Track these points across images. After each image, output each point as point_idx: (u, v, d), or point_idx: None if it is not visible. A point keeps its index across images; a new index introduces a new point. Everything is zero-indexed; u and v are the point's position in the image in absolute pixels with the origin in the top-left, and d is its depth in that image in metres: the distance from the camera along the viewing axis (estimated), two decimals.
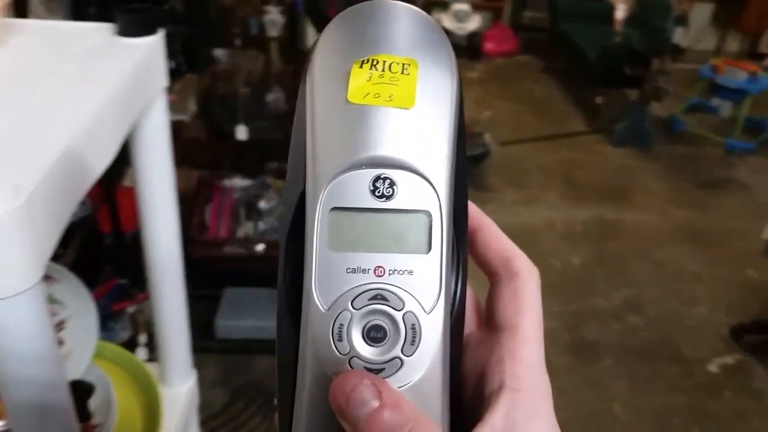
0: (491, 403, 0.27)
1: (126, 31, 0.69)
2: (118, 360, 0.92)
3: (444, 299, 0.27)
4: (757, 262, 2.80)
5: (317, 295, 0.26)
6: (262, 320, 2.21)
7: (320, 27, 1.69)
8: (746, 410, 2.19)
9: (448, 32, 3.79)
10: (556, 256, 2.84)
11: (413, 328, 0.26)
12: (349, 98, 0.26)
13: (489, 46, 4.72)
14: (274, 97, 2.22)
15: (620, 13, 3.70)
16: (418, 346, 0.26)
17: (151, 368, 0.93)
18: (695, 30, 5.14)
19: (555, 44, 4.51)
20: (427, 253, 0.27)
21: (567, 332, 2.45)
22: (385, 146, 0.26)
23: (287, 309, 0.28)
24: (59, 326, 0.80)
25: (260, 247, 1.95)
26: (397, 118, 0.26)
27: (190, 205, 2.13)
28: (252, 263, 1.97)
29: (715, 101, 3.84)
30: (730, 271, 2.83)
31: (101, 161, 0.57)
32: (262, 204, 2.05)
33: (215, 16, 2.65)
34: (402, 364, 0.26)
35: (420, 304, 0.26)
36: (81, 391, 0.82)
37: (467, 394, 0.30)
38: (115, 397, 0.85)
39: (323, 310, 0.26)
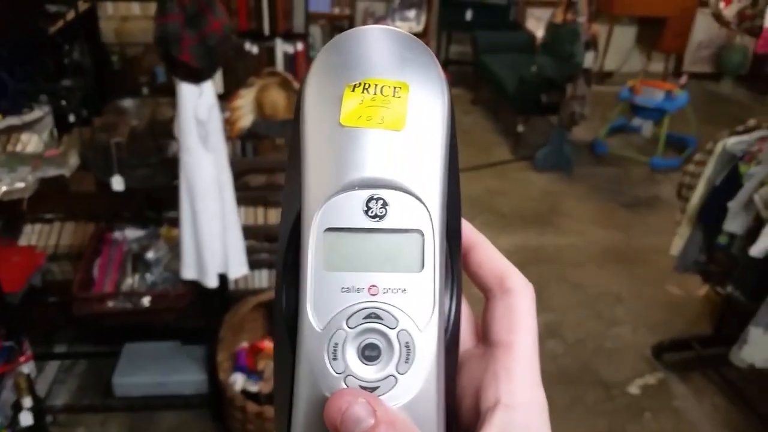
0: (486, 419, 0.27)
1: None
2: None
3: (438, 317, 0.27)
4: (679, 279, 2.79)
5: (312, 314, 0.26)
6: (163, 375, 2.13)
7: (173, 71, 1.67)
8: (665, 430, 2.16)
9: None
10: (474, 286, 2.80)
11: (407, 346, 0.26)
12: (342, 121, 0.27)
13: None
14: (171, 144, 2.18)
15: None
16: (412, 363, 0.26)
17: None
18: (620, 53, 5.26)
19: (479, 76, 4.56)
20: (420, 271, 0.27)
21: None
22: (378, 168, 0.27)
23: (284, 329, 0.28)
24: None
25: (146, 300, 1.88)
26: (389, 139, 0.27)
27: (76, 261, 2.07)
28: (138, 317, 1.90)
29: (636, 121, 3.90)
30: (652, 289, 2.82)
31: None
32: (150, 254, 1.99)
33: (120, 67, 2.63)
34: (396, 381, 0.26)
35: (414, 322, 0.27)
36: None
37: (463, 410, 0.30)
38: None
39: (318, 330, 0.26)
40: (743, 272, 2.09)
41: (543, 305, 2.69)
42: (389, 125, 0.27)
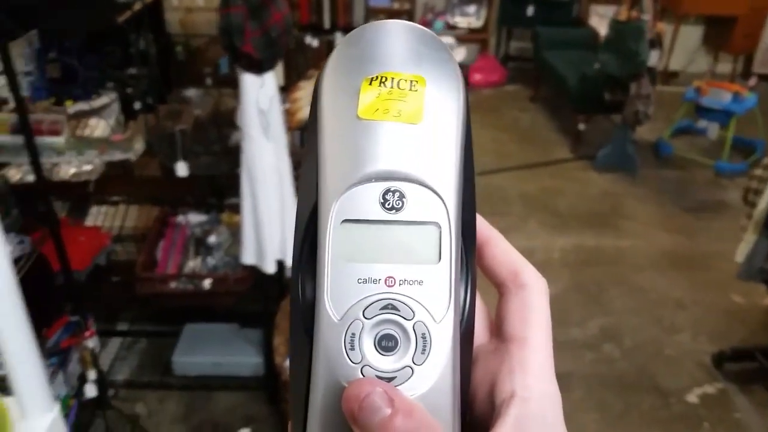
0: (502, 412, 0.27)
1: None
2: None
3: (453, 309, 0.27)
4: (742, 287, 2.70)
5: (330, 305, 0.27)
6: (221, 356, 2.18)
7: (236, 61, 1.69)
8: None
9: None
10: None
11: (423, 338, 0.27)
12: (360, 114, 0.27)
13: (476, 77, 4.72)
14: (235, 133, 2.23)
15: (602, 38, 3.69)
16: (428, 355, 0.27)
17: (11, 402, 0.90)
18: (686, 53, 5.11)
19: (540, 73, 4.50)
20: (437, 263, 0.27)
21: None
22: (395, 160, 0.27)
23: (300, 319, 0.28)
24: None
25: (207, 283, 1.92)
26: (406, 132, 0.27)
27: (140, 243, 2.13)
28: (198, 299, 1.95)
29: (702, 123, 3.78)
30: (714, 296, 2.73)
31: None
32: (212, 239, 2.03)
33: (185, 57, 2.69)
34: (413, 372, 0.26)
35: (430, 314, 0.27)
36: None
37: (478, 403, 0.30)
38: None
39: (336, 320, 0.27)
40: None
41: (601, 308, 2.64)
42: (406, 118, 0.27)
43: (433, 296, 0.27)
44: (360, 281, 0.27)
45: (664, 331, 2.55)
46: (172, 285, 1.91)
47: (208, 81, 2.59)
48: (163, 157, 1.90)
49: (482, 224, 0.31)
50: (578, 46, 4.20)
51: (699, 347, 2.46)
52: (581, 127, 3.83)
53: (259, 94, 1.64)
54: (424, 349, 0.27)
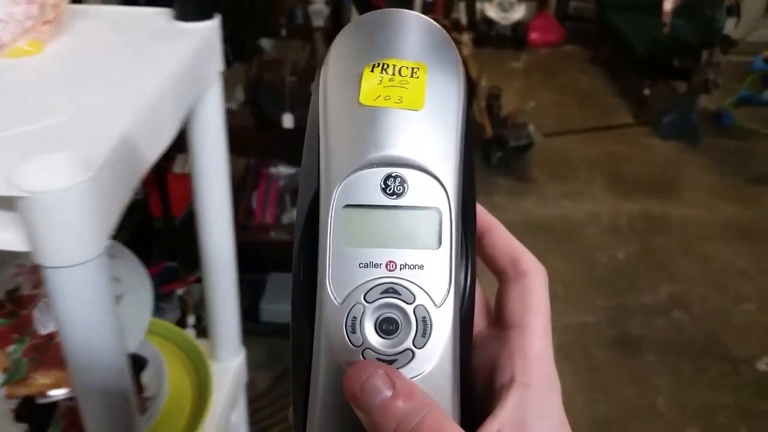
0: (501, 397, 0.28)
1: (183, 15, 0.71)
2: (170, 336, 0.95)
3: (454, 293, 0.28)
4: None
5: (331, 289, 0.27)
6: None
7: (363, 12, 1.70)
8: None
9: (492, 22, 3.72)
10: (600, 249, 2.80)
11: (424, 321, 0.27)
12: (361, 100, 0.28)
13: (534, 36, 4.66)
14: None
15: (668, 3, 3.61)
16: (429, 338, 0.27)
17: (202, 345, 0.96)
18: (747, 21, 5.00)
19: (602, 35, 4.43)
20: (438, 248, 0.28)
21: (610, 327, 2.42)
22: (396, 146, 0.27)
23: (302, 303, 0.29)
24: (116, 301, 0.82)
25: None
26: (407, 119, 0.28)
27: (237, 191, 2.17)
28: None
29: (767, 94, 3.73)
30: None
31: (160, 143, 0.59)
32: None
33: (261, 7, 2.68)
34: (413, 355, 0.27)
35: (430, 298, 0.27)
36: (135, 364, 0.85)
37: (478, 389, 0.31)
38: (167, 371, 0.88)
39: (337, 304, 0.27)
40: None
41: (668, 276, 2.68)
42: (407, 105, 0.28)
43: (433, 280, 0.28)
44: (361, 265, 0.27)
45: (730, 300, 2.58)
46: (272, 234, 1.96)
47: (283, 32, 2.58)
48: (267, 108, 1.93)
49: (482, 212, 0.32)
50: (642, 10, 4.13)
51: (766, 317, 2.49)
52: (646, 92, 3.80)
53: None
54: (424, 333, 0.27)
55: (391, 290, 0.27)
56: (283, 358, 2.23)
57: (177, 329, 0.95)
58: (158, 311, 1.86)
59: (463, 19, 3.57)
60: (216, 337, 0.93)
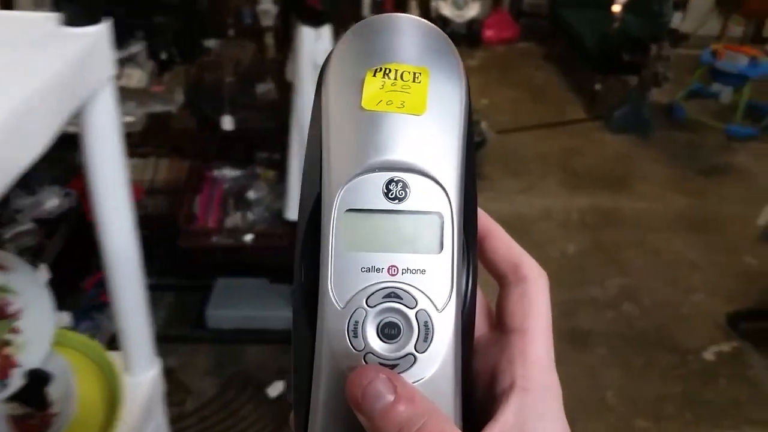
0: (502, 402, 0.28)
1: (69, 20, 0.68)
2: (82, 348, 0.92)
3: (455, 298, 0.28)
4: (755, 249, 2.77)
5: (333, 293, 0.27)
6: (252, 310, 2.22)
7: (297, 13, 1.68)
8: (741, 398, 2.18)
9: (447, 20, 3.74)
10: (552, 244, 2.82)
11: (426, 326, 0.27)
12: (363, 105, 0.28)
13: (489, 33, 4.68)
14: (266, 87, 2.21)
15: None
16: (430, 342, 0.27)
17: (116, 357, 0.93)
18: (697, 15, 5.08)
19: (555, 31, 4.47)
20: (439, 253, 0.28)
21: (561, 320, 2.43)
22: (398, 150, 0.27)
23: (304, 307, 0.29)
24: (15, 316, 0.80)
25: (249, 238, 1.94)
26: (409, 123, 0.28)
27: (179, 196, 2.13)
28: (241, 253, 1.97)
29: (716, 87, 3.80)
30: (728, 258, 2.80)
31: (29, 152, 0.56)
32: (251, 194, 2.05)
33: (207, 7, 2.64)
34: (415, 360, 0.27)
35: (432, 302, 0.27)
36: (38, 379, 0.81)
37: (478, 393, 0.31)
38: (77, 386, 0.85)
39: (339, 308, 0.27)
40: None
41: (619, 269, 2.70)
42: (409, 109, 0.28)
43: (435, 285, 0.27)
44: (363, 270, 0.27)
45: (680, 292, 2.62)
46: (214, 239, 1.93)
47: (231, 32, 2.55)
48: (206, 110, 1.89)
49: (483, 217, 0.32)
50: (594, 5, 4.17)
51: (714, 307, 2.53)
52: (598, 87, 3.84)
53: (316, 48, 1.64)
54: (426, 337, 0.27)
55: (393, 294, 0.27)
56: (230, 365, 2.19)
57: (89, 341, 0.92)
58: (94, 322, 1.82)
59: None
60: (127, 349, 0.90)
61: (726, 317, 2.47)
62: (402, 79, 0.28)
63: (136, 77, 2.17)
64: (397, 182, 0.27)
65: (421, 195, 0.28)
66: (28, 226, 1.71)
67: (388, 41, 0.29)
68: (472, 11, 4.53)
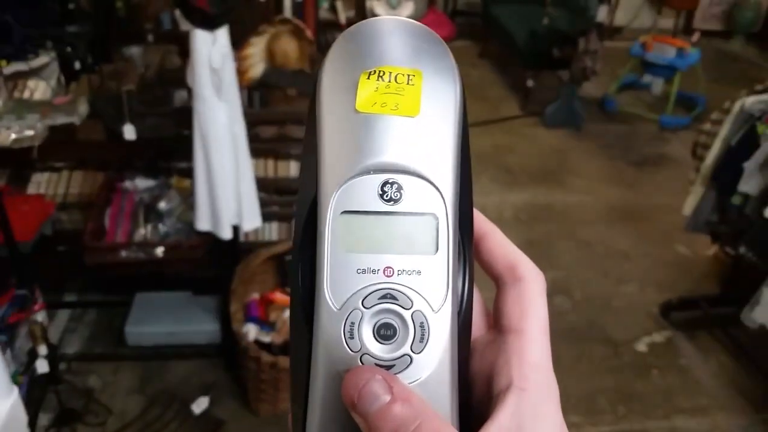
0: (499, 402, 0.28)
1: None
2: None
3: (451, 298, 0.28)
4: (687, 238, 2.79)
5: (329, 295, 0.27)
6: (174, 325, 2.14)
7: (188, 16, 1.62)
8: (673, 388, 2.18)
9: None
10: None
11: (422, 326, 0.27)
12: (358, 108, 0.28)
13: None
14: (183, 93, 2.14)
15: None
16: (426, 343, 0.27)
17: None
18: (630, 8, 5.16)
19: (488, 28, 4.48)
20: (435, 254, 0.28)
21: None
22: (392, 152, 0.27)
23: (300, 309, 0.29)
24: None
25: (160, 251, 1.87)
26: (404, 125, 0.28)
27: (86, 210, 2.05)
28: (151, 267, 1.89)
29: (647, 78, 3.85)
30: (660, 248, 2.82)
31: None
32: (162, 205, 1.97)
33: (125, 13, 2.57)
34: (411, 361, 0.27)
35: (428, 303, 0.27)
36: None
37: (475, 394, 0.30)
38: None
39: (335, 309, 0.27)
40: (757, 233, 2.09)
41: (551, 262, 2.69)
42: (404, 112, 0.28)
43: (431, 286, 0.27)
44: (359, 271, 0.27)
45: (612, 283, 2.62)
46: (123, 254, 1.85)
47: (150, 37, 2.48)
48: (108, 120, 1.81)
49: (480, 219, 0.32)
50: (525, 1, 4.19)
51: (646, 298, 2.54)
52: (530, 83, 3.85)
53: (212, 51, 1.58)
54: (422, 338, 0.27)
55: (389, 296, 0.27)
56: (154, 381, 2.12)
57: None
58: (6, 343, 1.73)
59: (342, 18, 3.53)
60: None
61: (658, 307, 2.48)
62: (396, 82, 0.28)
63: (40, 90, 2.08)
64: (392, 184, 0.27)
65: (415, 196, 0.28)
66: None
67: (382, 44, 0.29)
68: (406, 10, 4.50)
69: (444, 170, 0.28)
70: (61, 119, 1.95)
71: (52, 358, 1.90)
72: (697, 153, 2.33)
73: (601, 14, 3.26)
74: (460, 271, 0.29)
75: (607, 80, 4.03)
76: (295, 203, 0.30)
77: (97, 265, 1.85)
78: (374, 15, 4.44)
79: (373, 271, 0.27)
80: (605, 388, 2.17)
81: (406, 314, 0.27)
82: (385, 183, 0.27)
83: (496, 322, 0.31)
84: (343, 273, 0.27)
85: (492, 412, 0.28)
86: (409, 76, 0.28)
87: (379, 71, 0.28)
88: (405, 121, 0.28)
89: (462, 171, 0.29)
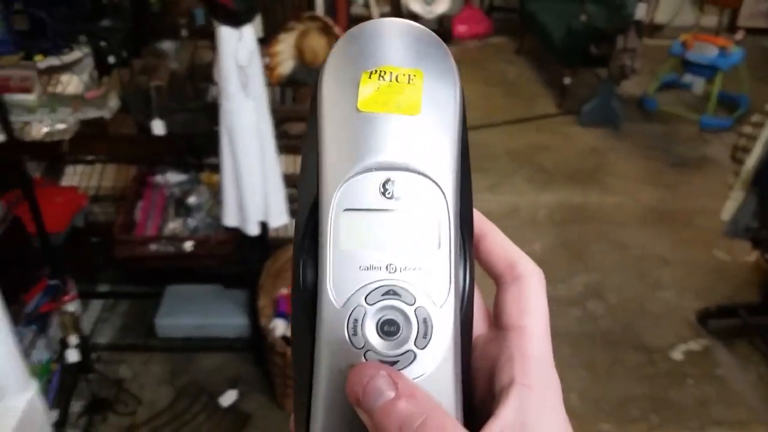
0: (502, 399, 0.28)
1: None
2: None
3: (454, 294, 0.28)
4: (726, 244, 2.69)
5: (332, 292, 0.27)
6: (204, 318, 2.15)
7: (213, 14, 1.61)
8: (709, 398, 2.11)
9: (416, 16, 3.67)
10: (517, 242, 2.71)
11: (425, 322, 0.27)
12: (359, 107, 0.28)
13: (461, 29, 4.61)
14: (215, 89, 2.14)
15: None
16: (430, 339, 0.27)
17: None
18: (672, 5, 5.03)
19: (525, 25, 4.40)
20: (437, 250, 0.28)
21: None
22: (394, 150, 0.28)
23: (302, 307, 0.29)
24: None
25: (188, 245, 1.87)
26: (405, 124, 0.28)
27: (118, 203, 2.06)
28: (180, 261, 1.89)
29: (687, 78, 3.74)
30: (698, 253, 2.74)
31: None
32: (192, 200, 1.97)
33: (159, 8, 2.58)
34: (415, 356, 0.27)
35: (431, 299, 0.27)
36: None
37: (478, 392, 0.31)
38: None
39: (338, 307, 0.27)
40: None
41: (585, 265, 2.64)
42: (405, 110, 0.28)
43: (433, 282, 0.27)
44: (362, 268, 0.27)
45: (648, 288, 2.55)
46: (152, 247, 1.85)
47: (184, 32, 2.49)
48: (137, 114, 1.82)
49: (479, 218, 0.32)
50: None
51: (684, 304, 2.47)
52: (567, 81, 3.77)
53: (238, 48, 1.57)
54: (426, 334, 0.27)
55: (392, 292, 0.27)
56: (183, 373, 2.13)
57: None
58: (39, 332, 1.76)
59: (376, 14, 3.49)
60: None
61: (695, 315, 2.40)
62: (397, 81, 0.28)
63: (73, 84, 2.10)
64: (393, 181, 0.28)
65: (417, 193, 0.28)
66: None
67: (383, 44, 0.29)
68: (442, 7, 4.46)
69: (445, 168, 0.28)
70: (92, 113, 1.97)
71: (84, 347, 1.93)
72: (737, 157, 2.25)
73: (640, 12, 3.17)
74: (462, 267, 0.29)
75: (646, 79, 3.93)
76: (298, 201, 0.30)
77: (126, 257, 1.86)
78: (409, 11, 4.41)
79: (376, 268, 0.27)
80: (638, 396, 2.11)
81: (409, 310, 0.27)
82: (387, 180, 0.28)
83: (497, 320, 0.31)
84: (346, 270, 0.27)
85: (495, 409, 0.27)
86: (410, 75, 0.28)
87: (381, 71, 0.28)
88: (406, 119, 0.28)
89: (462, 169, 0.29)
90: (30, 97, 2.02)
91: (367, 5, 3.95)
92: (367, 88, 0.28)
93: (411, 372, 0.27)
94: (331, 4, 2.79)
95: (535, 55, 4.37)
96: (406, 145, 0.28)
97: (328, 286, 0.27)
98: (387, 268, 0.27)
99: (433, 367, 0.27)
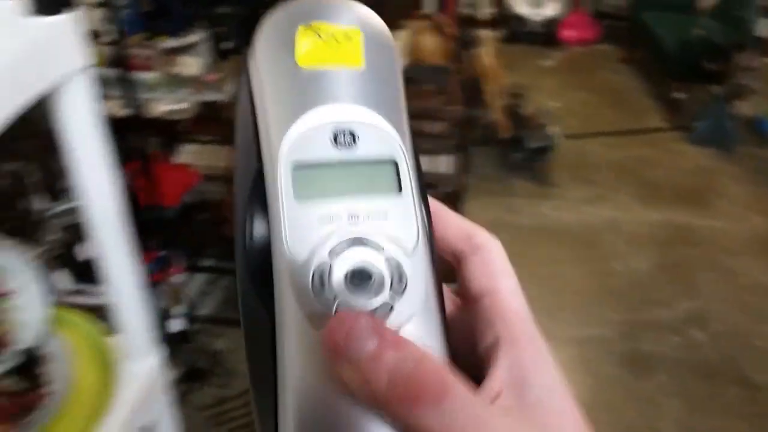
0: (491, 358, 0.26)
1: (37, 9, 0.66)
2: (82, 331, 0.89)
3: (423, 239, 0.26)
4: None
5: (289, 249, 0.24)
6: None
7: None
8: None
9: (522, 19, 3.59)
10: (617, 259, 2.67)
11: (398, 270, 0.25)
12: (299, 62, 0.27)
13: (567, 33, 4.51)
14: None
15: (705, 1, 3.43)
16: (405, 288, 0.25)
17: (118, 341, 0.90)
18: None
19: (635, 34, 4.25)
20: (399, 193, 0.26)
21: (622, 342, 2.29)
22: (342, 97, 0.27)
23: (249, 272, 0.26)
24: (8, 295, 0.78)
25: None
26: (350, 74, 0.27)
27: (229, 184, 2.11)
28: None
29: None
30: None
31: None
32: None
33: None
34: (392, 308, 0.24)
35: (401, 246, 0.25)
36: (30, 359, 0.80)
37: (459, 363, 0.28)
38: (74, 367, 0.82)
39: (299, 263, 0.24)
40: None
41: (687, 290, 2.53)
42: (347, 62, 0.27)
43: (400, 228, 0.26)
44: (322, 221, 0.25)
45: (755, 320, 2.42)
46: None
47: None
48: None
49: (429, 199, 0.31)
50: (677, 9, 3.95)
51: None
52: (677, 95, 3.62)
53: None
54: (400, 282, 0.25)
55: (358, 242, 0.25)
56: None
57: (90, 325, 0.89)
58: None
59: (480, 14, 3.45)
60: (126, 334, 0.86)
61: None
62: (335, 39, 0.27)
63: (192, 66, 2.17)
64: (344, 131, 0.26)
65: (371, 141, 0.26)
66: (74, 204, 1.72)
67: (318, 8, 0.28)
68: (550, 10, 4.36)
69: (396, 113, 0.27)
70: (210, 95, 2.03)
71: (186, 318, 1.99)
72: None
73: (763, 29, 3.00)
74: (424, 211, 0.28)
75: (762, 100, 3.73)
76: (235, 170, 0.27)
77: (232, 236, 1.91)
78: (515, 14, 4.34)
79: (337, 218, 0.25)
80: None
81: (380, 259, 0.25)
82: (337, 130, 0.26)
83: (467, 293, 0.29)
84: (304, 224, 0.25)
85: (487, 370, 0.26)
86: (347, 32, 0.28)
87: (317, 27, 0.27)
88: (350, 70, 0.27)
89: (409, 125, 0.28)
90: (152, 76, 2.10)
91: (473, 5, 3.91)
92: (305, 44, 0.27)
93: (389, 323, 0.24)
94: (439, 4, 2.78)
95: (643, 66, 4.21)
96: (354, 93, 0.27)
97: (285, 245, 0.24)
98: (349, 218, 0.25)
99: (413, 318, 0.25)
